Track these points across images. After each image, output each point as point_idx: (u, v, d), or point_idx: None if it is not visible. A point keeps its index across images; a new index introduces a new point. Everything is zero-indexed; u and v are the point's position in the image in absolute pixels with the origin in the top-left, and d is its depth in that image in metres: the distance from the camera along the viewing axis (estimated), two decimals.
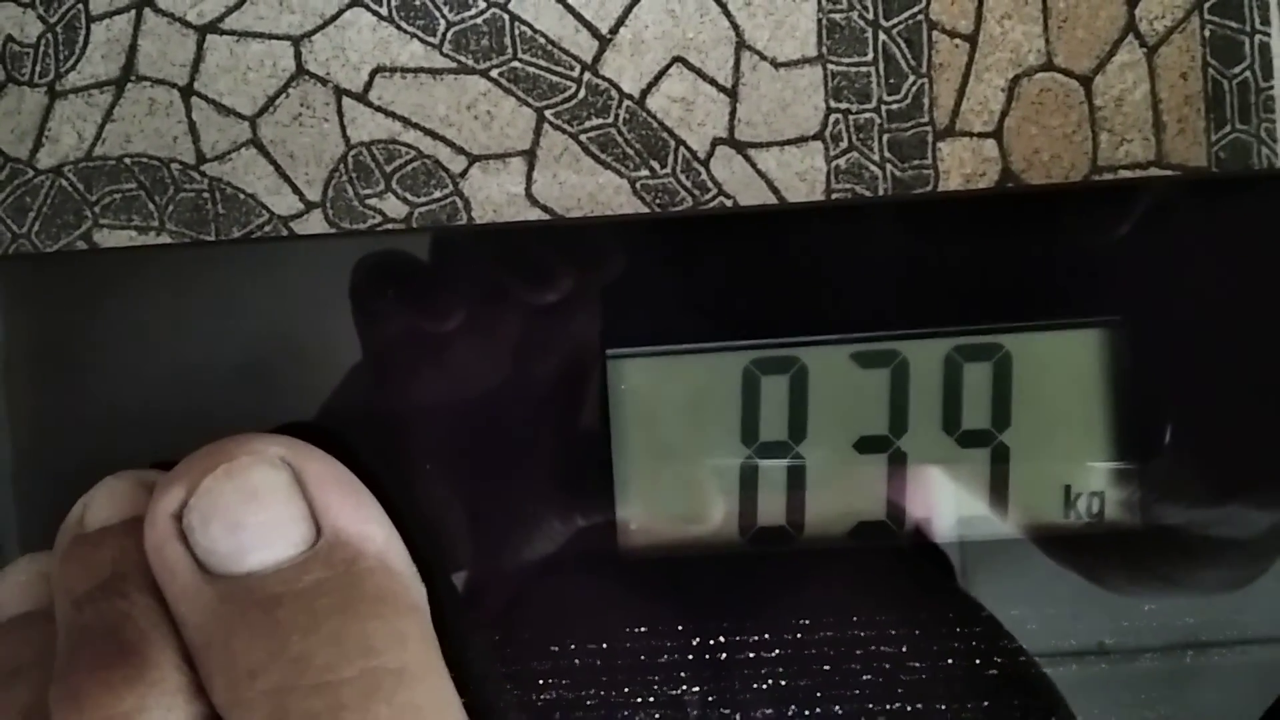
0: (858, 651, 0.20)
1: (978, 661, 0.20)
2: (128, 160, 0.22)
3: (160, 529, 0.17)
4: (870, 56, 0.22)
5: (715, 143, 0.22)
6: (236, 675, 0.16)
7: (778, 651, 0.20)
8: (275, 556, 0.17)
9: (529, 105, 0.22)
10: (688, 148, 0.22)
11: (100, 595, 0.17)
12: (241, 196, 0.22)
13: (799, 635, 0.20)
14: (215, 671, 0.16)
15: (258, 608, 0.16)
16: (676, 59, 0.22)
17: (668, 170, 0.22)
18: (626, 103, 0.22)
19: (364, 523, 0.18)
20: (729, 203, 0.22)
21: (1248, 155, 0.23)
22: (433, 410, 0.20)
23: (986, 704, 0.20)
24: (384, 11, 0.22)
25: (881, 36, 0.22)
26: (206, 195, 0.22)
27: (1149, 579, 0.20)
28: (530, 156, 0.22)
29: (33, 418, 0.20)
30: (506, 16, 0.22)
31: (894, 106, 0.22)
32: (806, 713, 0.20)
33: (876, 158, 0.22)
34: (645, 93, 0.22)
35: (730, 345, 0.20)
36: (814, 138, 0.22)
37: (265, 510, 0.17)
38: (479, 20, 0.22)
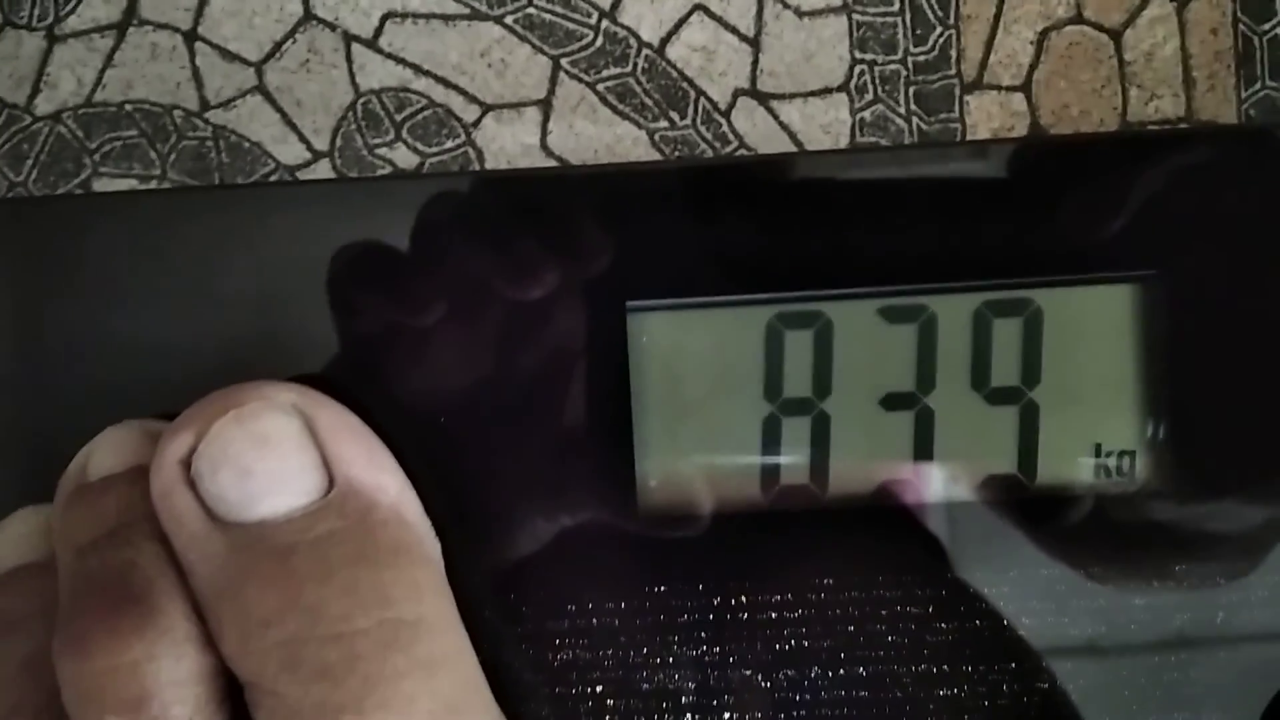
0: (882, 612, 0.19)
1: (1004, 622, 0.19)
2: (129, 107, 0.22)
3: (168, 475, 0.16)
4: (896, 7, 0.22)
5: (737, 94, 0.22)
6: (248, 625, 0.15)
7: (800, 611, 0.19)
8: (287, 505, 0.16)
9: (544, 53, 0.22)
10: (708, 98, 0.22)
11: (105, 544, 0.16)
12: (246, 145, 0.22)
13: (822, 595, 0.19)
14: (226, 621, 0.16)
15: (270, 556, 0.16)
16: (697, 6, 0.22)
17: (687, 121, 0.22)
18: (645, 51, 0.22)
19: (378, 473, 0.17)
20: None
21: (1278, 112, 0.22)
22: (448, 363, 0.19)
23: (1014, 665, 0.19)
24: None
25: None
26: (210, 143, 0.22)
27: (1175, 546, 0.20)
28: (546, 106, 0.22)
29: (31, 368, 0.20)
30: None
31: (920, 58, 0.22)
32: (829, 674, 0.19)
33: (902, 110, 0.22)
34: (665, 41, 0.22)
35: (754, 299, 0.19)
36: (838, 89, 0.22)
37: (276, 457, 0.16)
38: None
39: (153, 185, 0.22)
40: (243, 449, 0.16)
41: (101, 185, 0.22)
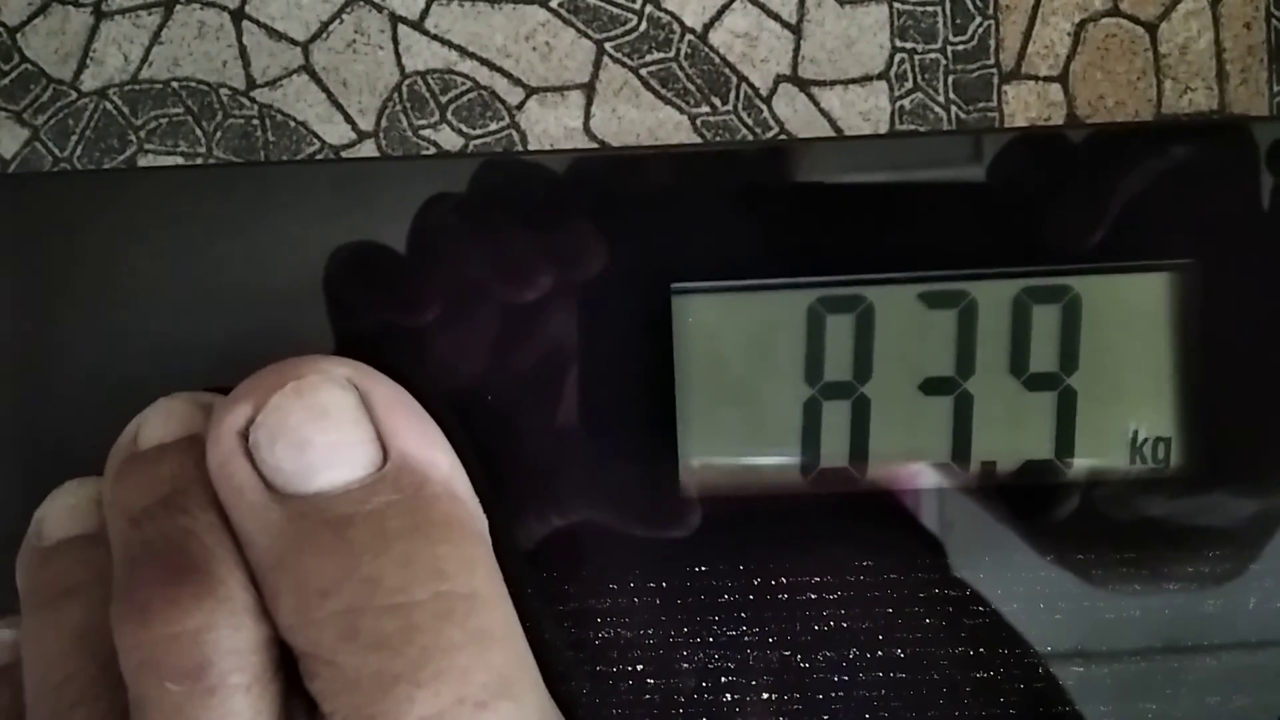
0: (919, 594, 0.20)
1: (1041, 606, 0.20)
2: (175, 84, 0.22)
3: (226, 445, 0.16)
4: None
5: (778, 80, 0.22)
6: (306, 595, 0.15)
7: (838, 593, 0.20)
8: (343, 477, 0.16)
9: (589, 37, 0.22)
10: (750, 84, 0.22)
11: (161, 512, 0.16)
12: (292, 124, 0.22)
13: (860, 577, 0.20)
14: (283, 591, 0.16)
15: (328, 528, 0.16)
16: None
17: (729, 107, 0.22)
18: (688, 37, 0.22)
19: (430, 449, 0.17)
20: None
21: None
22: (494, 342, 0.19)
23: (1049, 648, 0.20)
24: None
25: None
26: (256, 122, 0.22)
27: (1209, 532, 0.20)
28: (589, 90, 0.22)
29: (76, 342, 0.20)
30: None
31: (960, 47, 0.22)
32: (869, 655, 0.19)
33: (941, 99, 0.22)
34: (708, 27, 0.22)
35: (796, 282, 0.20)
36: (878, 77, 0.22)
37: (334, 430, 0.16)
38: None
39: (198, 163, 0.22)
40: (301, 421, 0.16)
41: (146, 162, 0.22)
